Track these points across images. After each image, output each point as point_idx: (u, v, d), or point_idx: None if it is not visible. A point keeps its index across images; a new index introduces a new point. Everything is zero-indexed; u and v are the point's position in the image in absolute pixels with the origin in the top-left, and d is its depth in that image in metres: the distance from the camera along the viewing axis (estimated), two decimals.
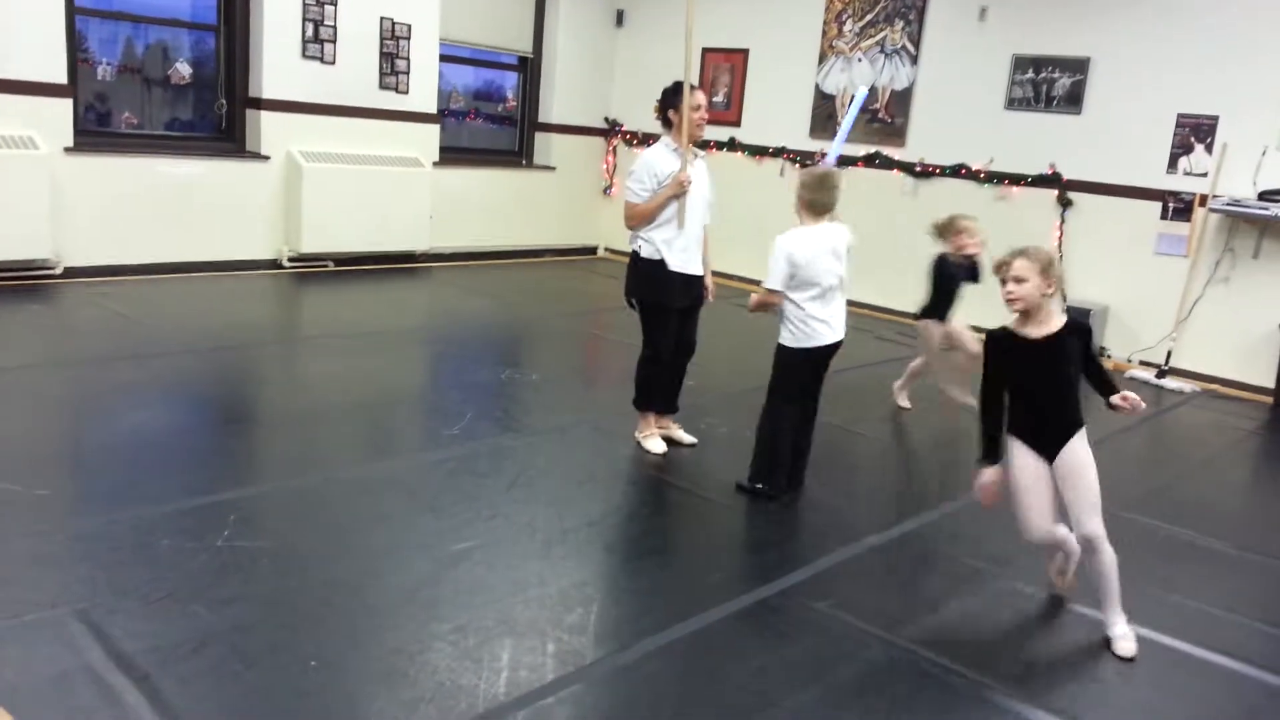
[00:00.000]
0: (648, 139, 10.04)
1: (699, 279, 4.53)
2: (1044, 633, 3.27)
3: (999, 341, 3.24)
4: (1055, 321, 3.18)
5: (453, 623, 2.96)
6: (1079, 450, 3.13)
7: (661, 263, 4.37)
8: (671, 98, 4.36)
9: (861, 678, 2.88)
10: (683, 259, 4.40)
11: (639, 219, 4.38)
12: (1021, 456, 3.19)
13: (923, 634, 3.15)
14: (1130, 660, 3.09)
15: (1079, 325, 3.25)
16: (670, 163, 4.34)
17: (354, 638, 2.85)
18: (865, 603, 3.34)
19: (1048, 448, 3.15)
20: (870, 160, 8.63)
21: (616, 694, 2.72)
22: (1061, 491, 3.15)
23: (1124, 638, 3.15)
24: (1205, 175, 7.01)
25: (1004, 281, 3.20)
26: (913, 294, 8.40)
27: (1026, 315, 3.18)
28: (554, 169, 10.13)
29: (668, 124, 4.39)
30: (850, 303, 8.71)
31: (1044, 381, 3.17)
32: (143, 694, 2.48)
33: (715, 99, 9.61)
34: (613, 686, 2.75)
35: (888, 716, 2.70)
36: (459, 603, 3.08)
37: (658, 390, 4.61)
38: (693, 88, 4.36)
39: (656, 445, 4.58)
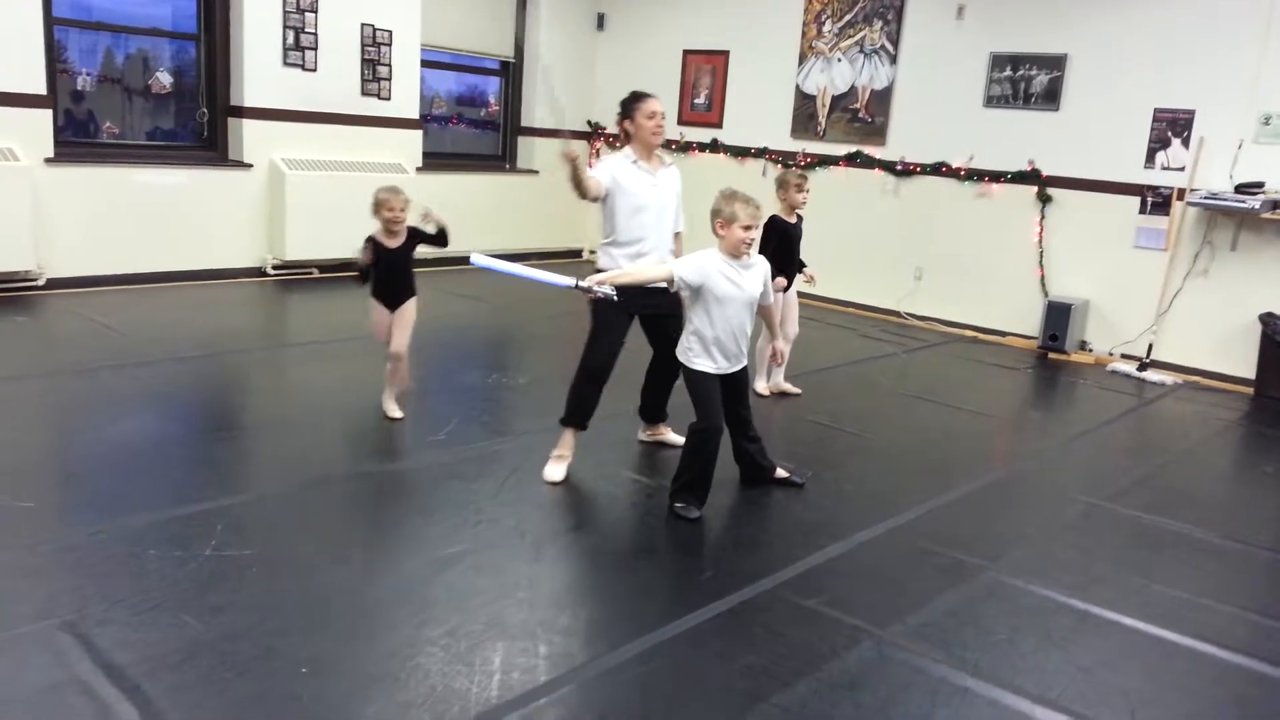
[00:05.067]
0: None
1: (663, 291, 4.16)
2: (1032, 625, 3.29)
3: None
4: None
5: (444, 626, 2.96)
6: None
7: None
8: (626, 107, 4.24)
9: (852, 674, 2.89)
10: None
11: (585, 185, 4.17)
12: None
13: (913, 629, 3.18)
14: None
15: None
16: (624, 170, 4.21)
17: (345, 643, 2.85)
18: (855, 599, 3.36)
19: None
20: (851, 159, 8.67)
21: (608, 694, 2.73)
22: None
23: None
24: (1183, 169, 7.08)
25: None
26: (894, 291, 8.50)
27: None
28: (537, 173, 10.14)
29: (628, 135, 4.28)
30: (833, 300, 8.83)
31: None
32: (134, 705, 2.48)
33: (696, 100, 9.64)
34: (605, 687, 2.76)
35: (879, 712, 2.72)
36: (450, 606, 3.09)
37: (580, 404, 4.29)
38: (647, 96, 4.27)
39: (555, 473, 4.22)
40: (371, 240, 4.71)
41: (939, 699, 2.80)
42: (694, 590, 3.34)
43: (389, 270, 4.76)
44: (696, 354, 3.93)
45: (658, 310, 4.29)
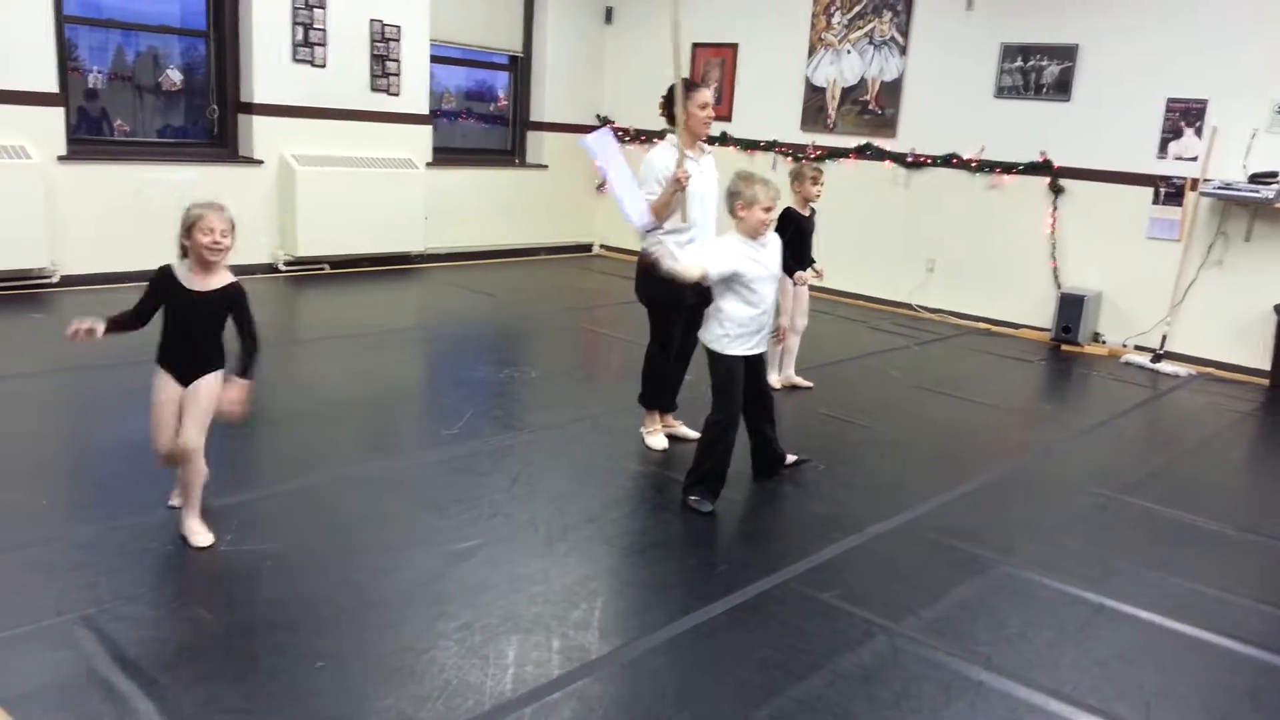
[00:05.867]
0: (639, 135, 10.05)
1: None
2: (1046, 619, 3.28)
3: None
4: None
5: (458, 620, 2.97)
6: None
7: None
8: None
9: (866, 667, 2.89)
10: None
11: (660, 207, 4.30)
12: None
13: (926, 623, 3.17)
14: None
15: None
16: (670, 159, 4.31)
17: (360, 637, 2.86)
18: (869, 593, 3.36)
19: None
20: (861, 151, 8.64)
21: (622, 688, 2.73)
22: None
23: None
24: (1195, 159, 7.03)
25: None
26: (905, 283, 8.47)
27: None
28: (546, 167, 10.14)
29: (674, 121, 4.38)
30: (844, 293, 8.79)
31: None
32: (150, 698, 2.49)
33: None
34: (619, 681, 2.76)
35: (892, 706, 2.72)
36: (464, 600, 3.09)
37: (664, 387, 4.64)
38: (700, 85, 4.43)
39: (659, 442, 4.61)
40: (166, 274, 3.30)
41: (953, 692, 2.80)
42: (707, 584, 3.34)
43: (190, 324, 3.27)
44: (731, 339, 3.93)
45: (704, 300, 4.42)
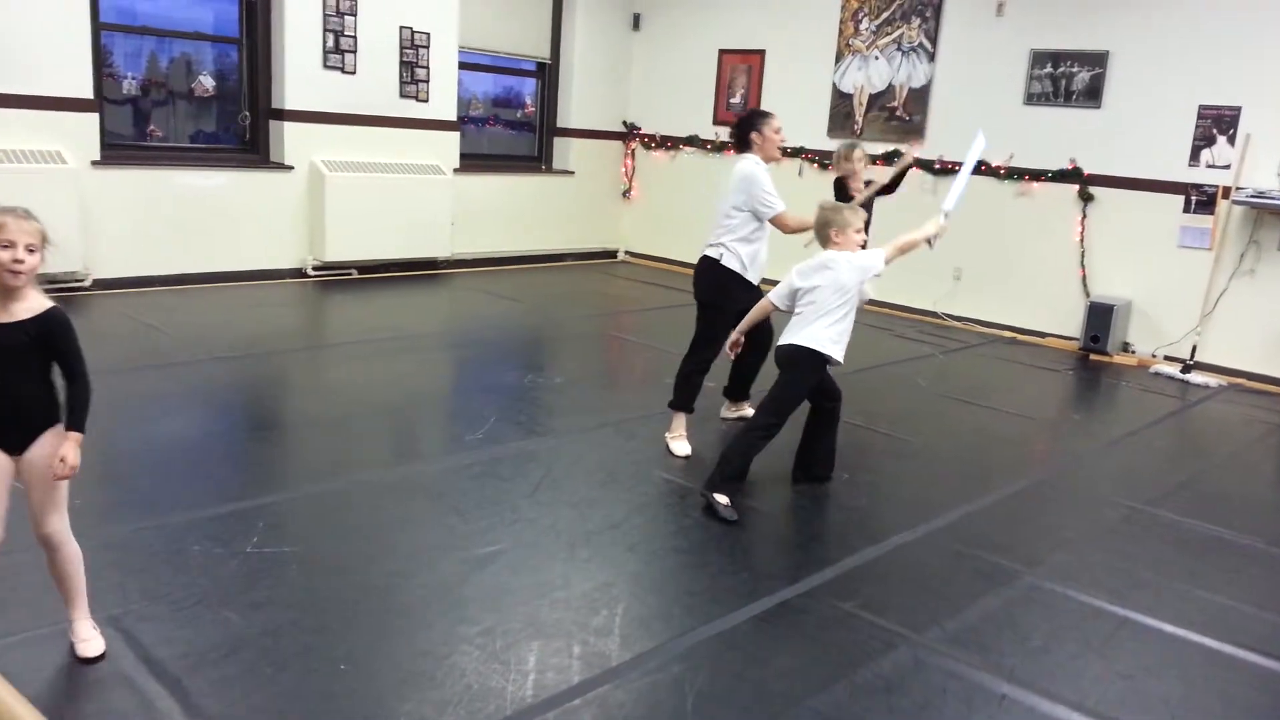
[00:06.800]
0: (666, 142, 10.07)
1: (758, 290, 4.78)
2: (1070, 631, 3.25)
3: None
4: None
5: (480, 625, 2.99)
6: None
7: (739, 274, 4.64)
8: (754, 122, 4.68)
9: (888, 678, 2.88)
10: (759, 271, 4.71)
11: (803, 225, 4.58)
12: None
13: (949, 634, 3.15)
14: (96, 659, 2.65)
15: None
16: (766, 173, 4.63)
17: (383, 641, 2.88)
18: (891, 603, 3.34)
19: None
20: (889, 158, 8.60)
21: (642, 695, 2.73)
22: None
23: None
24: (1228, 167, 6.95)
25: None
26: (932, 291, 8.42)
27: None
28: (573, 173, 10.17)
29: (744, 145, 4.69)
30: (869, 301, 8.74)
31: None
32: (175, 699, 2.52)
33: (732, 100, 9.62)
34: (639, 688, 2.76)
35: (914, 717, 2.70)
36: (486, 605, 3.11)
37: (696, 391, 4.74)
38: (772, 113, 4.78)
39: (682, 448, 4.62)
40: None
41: (975, 705, 2.78)
42: (729, 592, 3.34)
43: None
44: (842, 343, 4.08)
45: (750, 303, 4.71)
